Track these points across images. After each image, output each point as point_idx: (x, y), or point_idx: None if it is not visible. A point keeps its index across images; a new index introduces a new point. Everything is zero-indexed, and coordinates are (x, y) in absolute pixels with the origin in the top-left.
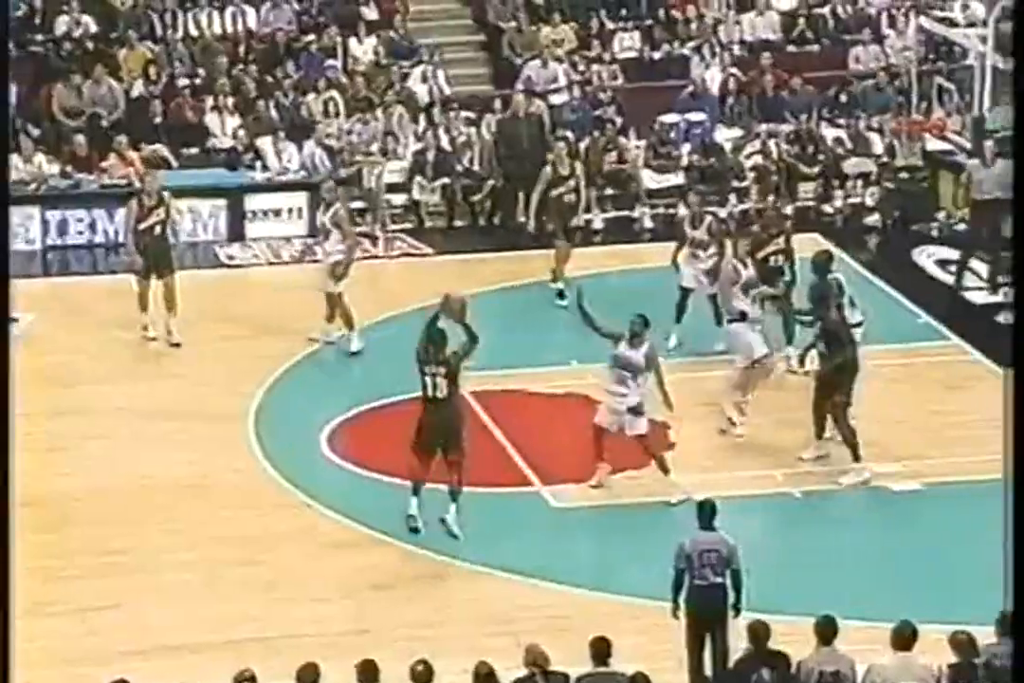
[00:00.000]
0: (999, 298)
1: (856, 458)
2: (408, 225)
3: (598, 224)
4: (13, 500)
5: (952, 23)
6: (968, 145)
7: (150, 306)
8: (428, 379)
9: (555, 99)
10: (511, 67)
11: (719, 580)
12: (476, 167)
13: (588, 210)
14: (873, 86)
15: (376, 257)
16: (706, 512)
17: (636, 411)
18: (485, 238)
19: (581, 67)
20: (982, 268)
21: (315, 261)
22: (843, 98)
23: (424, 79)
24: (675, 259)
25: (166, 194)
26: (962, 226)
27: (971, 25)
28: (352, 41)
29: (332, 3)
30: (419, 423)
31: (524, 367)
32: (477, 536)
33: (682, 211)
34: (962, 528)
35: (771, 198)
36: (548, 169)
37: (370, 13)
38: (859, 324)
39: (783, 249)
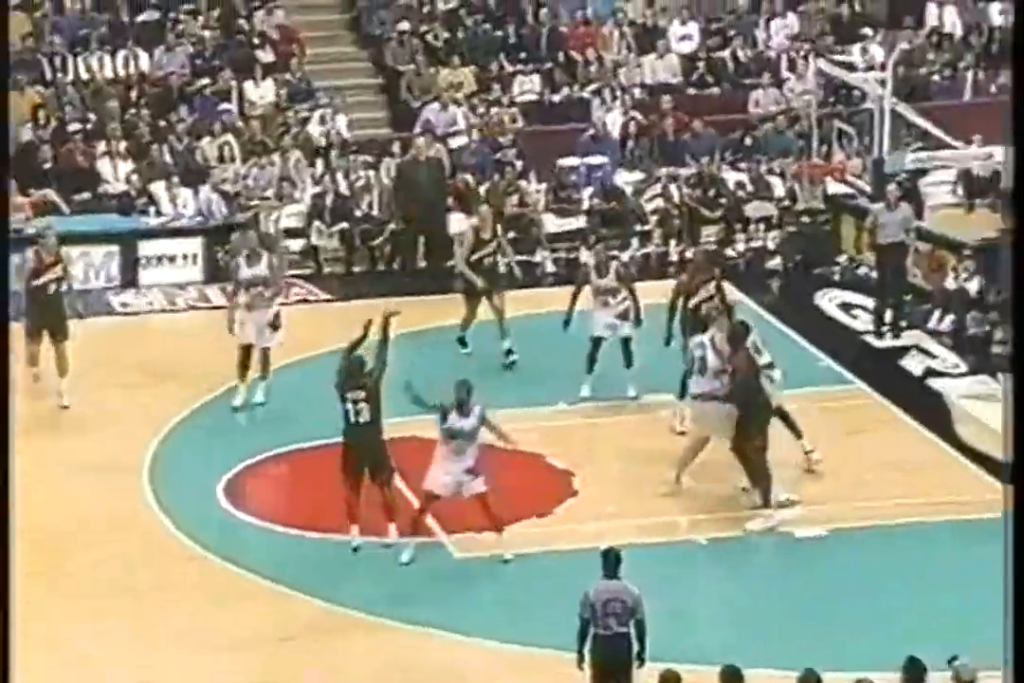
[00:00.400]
0: (902, 342)
1: (766, 504)
2: (306, 271)
3: (500, 269)
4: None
5: (851, 67)
6: (868, 188)
7: (40, 361)
8: (350, 405)
9: (454, 142)
10: (409, 110)
11: (624, 630)
12: (375, 212)
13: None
14: (773, 129)
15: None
16: (610, 561)
17: (473, 472)
18: (385, 283)
19: (481, 110)
20: (885, 312)
21: (217, 307)
22: (744, 141)
23: (322, 122)
24: (572, 308)
25: (64, 251)
26: (864, 270)
27: (870, 69)
28: (248, 84)
29: (227, 46)
30: (344, 448)
31: (425, 414)
32: (380, 586)
33: (584, 256)
34: (867, 574)
35: (673, 242)
36: (470, 233)
37: (266, 56)
38: (770, 365)
39: (713, 296)
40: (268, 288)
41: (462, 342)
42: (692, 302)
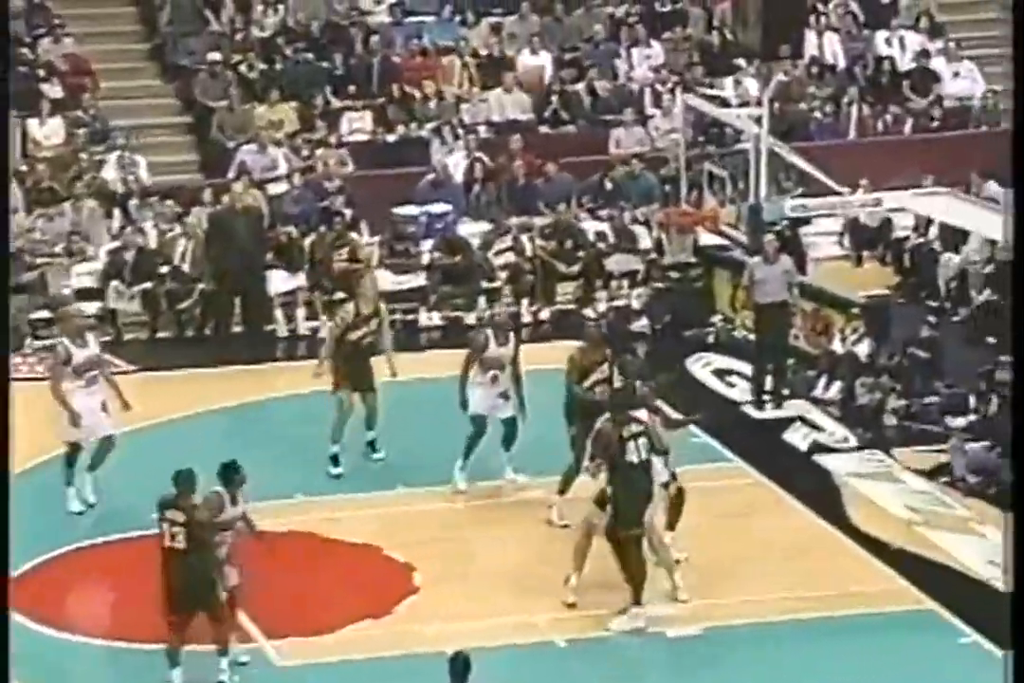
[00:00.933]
0: (784, 413)
1: (637, 601)
2: (104, 338)
3: (325, 332)
4: None
5: (723, 102)
6: (744, 239)
7: None
8: (165, 525)
9: (274, 189)
10: (223, 152)
11: None
12: (184, 268)
13: (316, 317)
14: (636, 173)
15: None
16: (458, 666)
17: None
18: (195, 351)
19: (304, 152)
20: (765, 380)
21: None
22: (605, 186)
23: (120, 166)
24: (464, 383)
25: None
26: (740, 332)
27: (744, 104)
28: (32, 122)
29: (6, 78)
30: (163, 579)
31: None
32: None
33: (423, 317)
34: (746, 677)
35: (526, 301)
36: (350, 306)
37: (54, 90)
38: (663, 451)
39: (608, 379)
40: (98, 368)
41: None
42: (586, 384)
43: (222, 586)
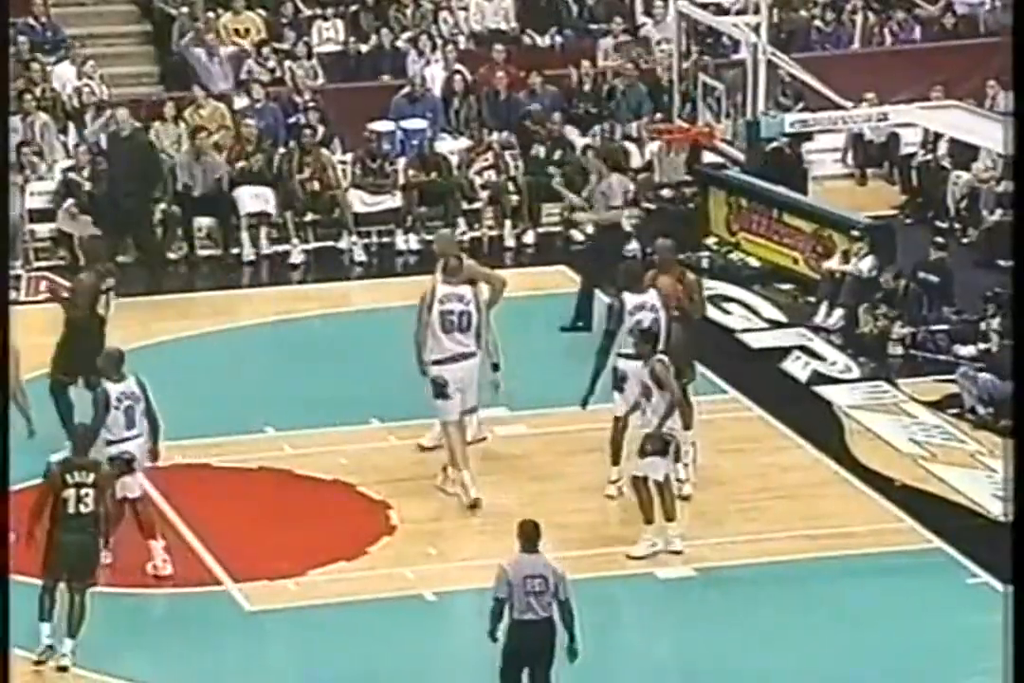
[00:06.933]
0: (784, 341)
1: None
2: (58, 262)
3: (296, 258)
4: None
5: (720, 9)
6: (741, 156)
7: None
8: (72, 490)
9: (238, 103)
10: (184, 64)
11: (546, 614)
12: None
13: (283, 241)
14: (626, 85)
15: (17, 302)
16: (528, 532)
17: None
18: (155, 276)
19: (272, 63)
20: (761, 304)
21: None
22: (591, 100)
23: (78, 78)
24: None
25: None
26: (737, 255)
27: (741, 12)
28: None
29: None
30: (50, 544)
31: (207, 436)
32: (156, 648)
33: (399, 240)
34: (741, 622)
35: (509, 223)
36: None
37: None
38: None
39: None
40: None
41: None
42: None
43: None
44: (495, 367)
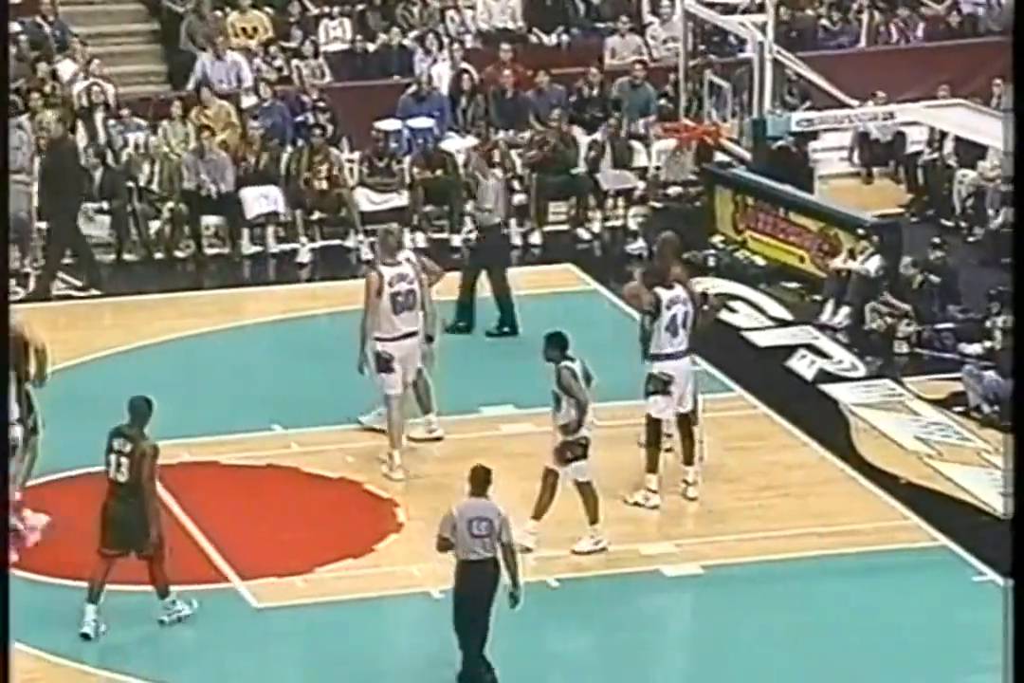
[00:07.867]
0: (790, 340)
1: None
2: (67, 260)
3: (304, 256)
4: None
5: (726, 8)
6: (747, 155)
7: None
8: (113, 456)
9: (245, 102)
10: (191, 63)
11: (489, 555)
12: (154, 187)
13: (290, 239)
14: (633, 84)
15: (25, 301)
16: (479, 476)
17: None
18: (163, 275)
19: (279, 62)
20: (767, 303)
21: None
22: (598, 99)
23: (86, 77)
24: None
25: None
26: (743, 254)
27: (748, 11)
28: None
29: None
30: (102, 514)
31: (216, 434)
32: (165, 645)
33: (406, 239)
34: (747, 620)
35: (514, 222)
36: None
37: None
38: None
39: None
40: None
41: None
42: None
43: (156, 527)
44: (429, 339)
